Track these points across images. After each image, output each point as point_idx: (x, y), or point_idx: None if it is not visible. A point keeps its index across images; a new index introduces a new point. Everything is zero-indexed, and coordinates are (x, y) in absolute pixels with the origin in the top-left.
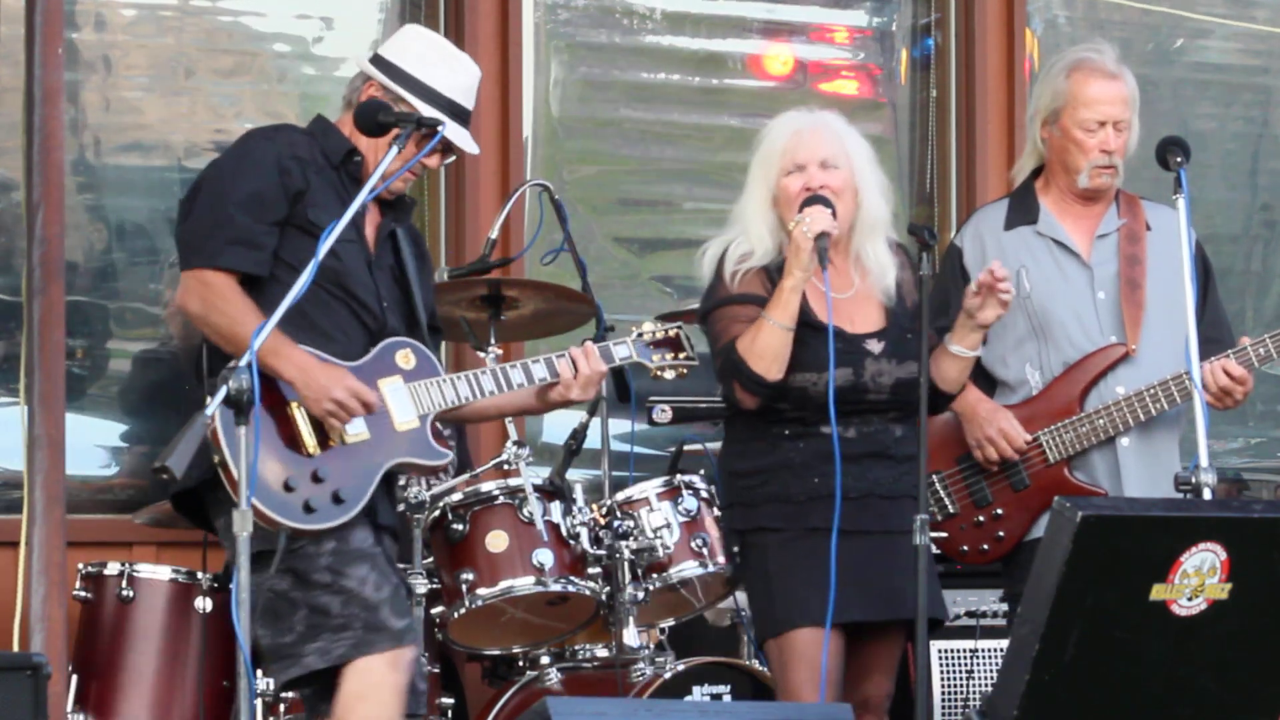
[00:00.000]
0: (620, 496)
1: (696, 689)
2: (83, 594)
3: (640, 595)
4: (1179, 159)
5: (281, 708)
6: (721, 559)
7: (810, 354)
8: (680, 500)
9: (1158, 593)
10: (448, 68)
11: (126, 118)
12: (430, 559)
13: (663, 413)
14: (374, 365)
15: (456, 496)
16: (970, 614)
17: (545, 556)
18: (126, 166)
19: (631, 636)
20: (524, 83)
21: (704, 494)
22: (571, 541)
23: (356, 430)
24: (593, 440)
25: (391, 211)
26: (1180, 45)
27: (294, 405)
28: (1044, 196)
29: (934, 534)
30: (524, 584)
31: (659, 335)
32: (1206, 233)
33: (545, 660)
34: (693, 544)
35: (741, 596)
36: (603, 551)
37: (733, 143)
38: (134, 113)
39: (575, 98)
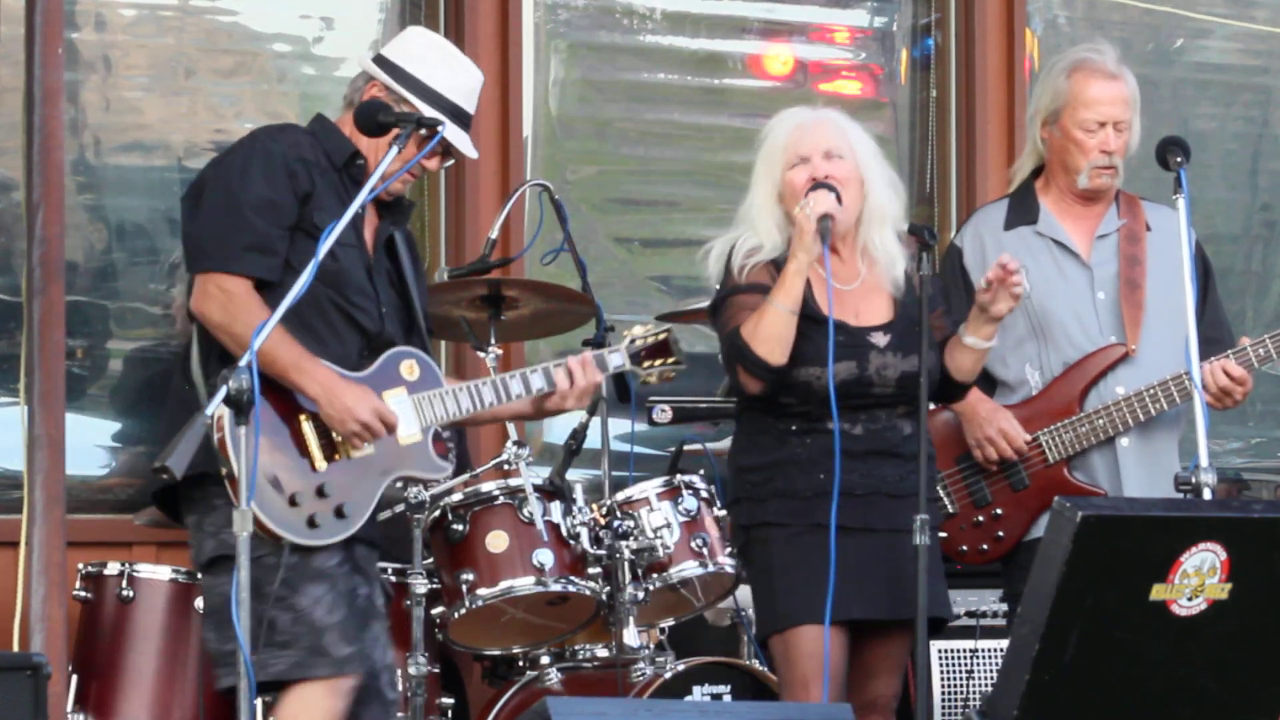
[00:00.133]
0: (620, 496)
1: (696, 689)
2: (83, 594)
3: (640, 595)
4: (1179, 159)
5: None
6: (721, 559)
7: (813, 347)
8: (680, 500)
9: (1158, 593)
10: (450, 70)
11: (126, 118)
12: (430, 559)
13: (663, 413)
14: (379, 376)
15: (456, 497)
16: (970, 614)
17: (545, 556)
18: (126, 166)
19: (631, 636)
20: (524, 83)
21: (704, 494)
22: (572, 541)
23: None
24: (593, 440)
25: (389, 215)
26: (1180, 45)
27: (305, 418)
28: (1044, 197)
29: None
30: (524, 584)
31: (650, 341)
32: (1206, 233)
33: (545, 660)
34: (693, 544)
35: (741, 597)
36: (603, 551)
37: (733, 143)
38: (134, 113)
39: (575, 98)
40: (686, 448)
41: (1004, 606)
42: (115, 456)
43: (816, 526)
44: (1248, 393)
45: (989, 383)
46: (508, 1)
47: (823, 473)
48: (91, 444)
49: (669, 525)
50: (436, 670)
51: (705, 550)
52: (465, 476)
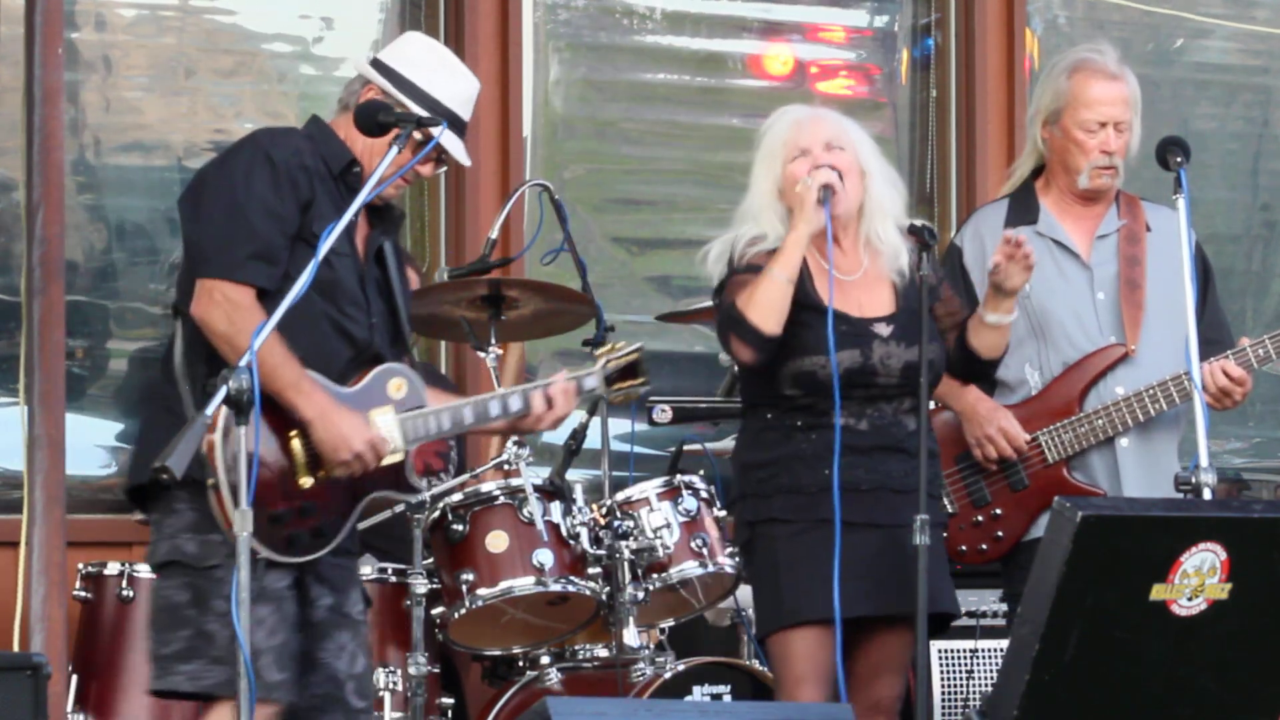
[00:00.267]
0: (620, 496)
1: (696, 689)
2: (83, 594)
3: (640, 595)
4: (1179, 159)
5: None
6: (721, 559)
7: (815, 337)
8: (680, 500)
9: (1158, 593)
10: (447, 76)
11: (126, 118)
12: (430, 559)
13: (663, 413)
14: (367, 395)
15: (456, 497)
16: (970, 614)
17: (545, 556)
18: (126, 166)
19: (631, 636)
20: (524, 83)
21: (704, 494)
22: (571, 541)
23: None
24: (593, 440)
25: (380, 224)
26: (1180, 45)
27: (294, 434)
28: (1044, 197)
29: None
30: (524, 584)
31: (623, 362)
32: (1206, 233)
33: (545, 660)
34: (693, 544)
35: (741, 597)
36: (603, 551)
37: (733, 143)
38: (134, 113)
39: (575, 98)
40: (686, 448)
41: (1004, 606)
42: (115, 456)
43: (821, 522)
44: (1247, 393)
45: (989, 382)
46: (508, 2)
47: (828, 468)
48: (91, 444)
49: (669, 525)
50: (436, 670)
51: (705, 550)
52: (465, 476)
